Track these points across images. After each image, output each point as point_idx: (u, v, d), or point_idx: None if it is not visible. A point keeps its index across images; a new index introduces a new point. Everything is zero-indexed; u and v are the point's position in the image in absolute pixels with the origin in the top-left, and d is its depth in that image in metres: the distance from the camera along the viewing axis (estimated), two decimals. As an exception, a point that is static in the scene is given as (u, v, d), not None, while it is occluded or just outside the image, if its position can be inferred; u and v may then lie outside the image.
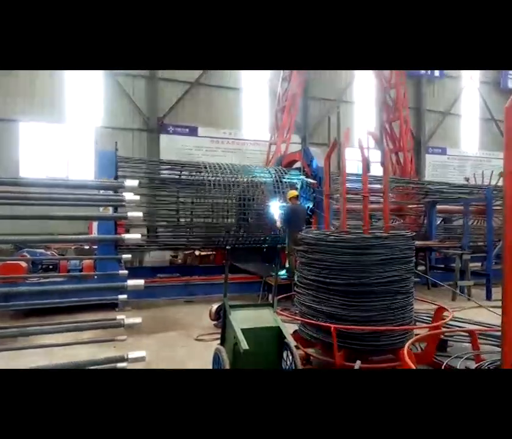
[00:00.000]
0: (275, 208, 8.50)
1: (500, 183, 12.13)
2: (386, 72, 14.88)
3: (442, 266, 10.17)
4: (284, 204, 8.43)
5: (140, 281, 2.44)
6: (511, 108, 2.49)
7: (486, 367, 3.15)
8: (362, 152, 5.29)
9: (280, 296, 5.33)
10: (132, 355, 2.32)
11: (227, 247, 4.22)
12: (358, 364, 3.81)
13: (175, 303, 7.81)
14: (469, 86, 19.77)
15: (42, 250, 7.96)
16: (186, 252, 11.13)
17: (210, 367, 3.95)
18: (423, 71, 16.76)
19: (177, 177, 8.87)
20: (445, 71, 18.64)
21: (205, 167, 8.70)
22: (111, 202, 3.12)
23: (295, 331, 4.82)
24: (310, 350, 4.59)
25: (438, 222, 11.48)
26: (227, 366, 3.53)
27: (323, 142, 13.76)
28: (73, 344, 3.39)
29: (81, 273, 6.93)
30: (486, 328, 4.90)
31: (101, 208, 6.19)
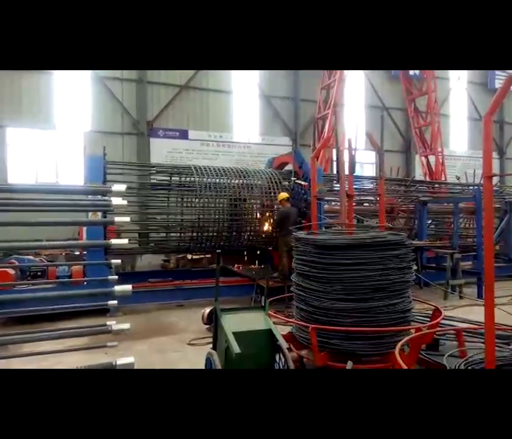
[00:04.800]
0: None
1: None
2: (416, 78, 15.32)
3: (434, 265, 10.23)
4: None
5: (128, 287, 2.41)
6: (489, 117, 2.57)
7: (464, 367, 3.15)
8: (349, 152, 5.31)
9: (273, 298, 5.30)
10: (121, 361, 2.28)
11: (218, 251, 4.18)
12: (349, 365, 3.80)
13: (167, 307, 7.75)
14: (457, 87, 19.98)
15: (30, 257, 7.84)
16: (178, 256, 11.06)
17: (202, 372, 3.92)
18: (411, 72, 16.92)
19: (168, 180, 8.82)
20: (434, 73, 18.81)
21: (196, 170, 8.66)
22: (98, 207, 3.08)
23: (288, 334, 4.79)
24: (303, 352, 4.57)
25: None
26: (219, 370, 3.49)
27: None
28: (63, 352, 3.34)
29: (70, 279, 6.84)
30: (475, 326, 4.93)
31: (90, 213, 6.14)
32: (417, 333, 4.19)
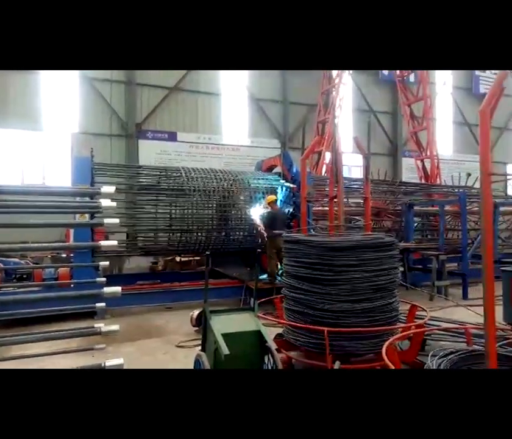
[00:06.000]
0: (256, 212, 8.56)
1: (469, 184, 12.61)
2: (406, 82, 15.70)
3: (420, 266, 10.36)
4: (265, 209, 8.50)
5: (117, 288, 2.40)
6: (485, 111, 2.45)
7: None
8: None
9: (262, 300, 5.32)
10: (110, 363, 2.28)
11: (207, 253, 4.20)
12: (337, 365, 3.84)
13: (156, 310, 7.71)
14: (443, 92, 20.31)
15: (16, 259, 7.72)
16: (167, 258, 11.01)
17: (191, 373, 3.92)
18: (406, 77, 17.09)
19: (156, 182, 8.79)
20: (429, 78, 19.07)
21: (185, 172, 8.65)
22: (87, 209, 3.07)
23: (277, 335, 4.81)
24: (292, 354, 4.60)
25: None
26: (208, 372, 3.50)
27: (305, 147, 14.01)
28: (50, 354, 3.31)
29: (57, 281, 6.76)
30: (460, 326, 5.02)
31: (78, 215, 6.08)
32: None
